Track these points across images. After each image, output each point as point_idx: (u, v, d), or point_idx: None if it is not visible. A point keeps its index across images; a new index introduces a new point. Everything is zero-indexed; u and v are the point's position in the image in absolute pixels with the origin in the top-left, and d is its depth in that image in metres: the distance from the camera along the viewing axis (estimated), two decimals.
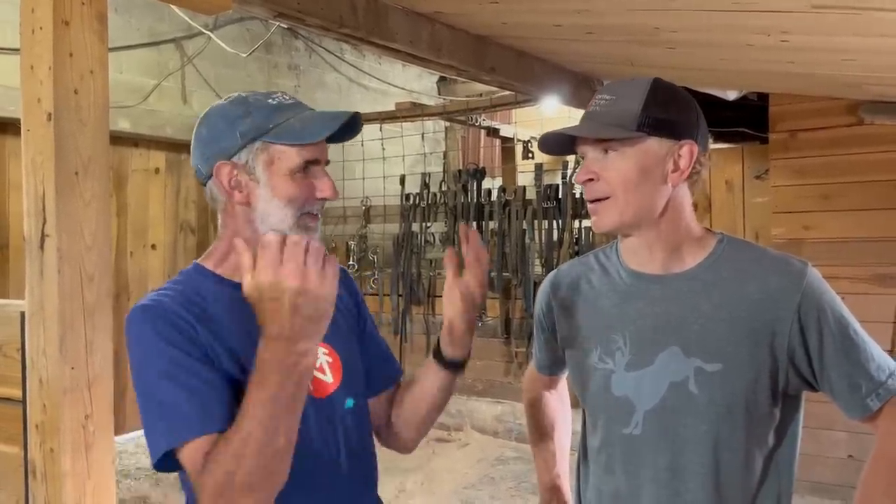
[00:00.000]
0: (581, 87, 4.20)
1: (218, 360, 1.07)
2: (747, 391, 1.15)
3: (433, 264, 5.65)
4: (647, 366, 1.18)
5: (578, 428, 1.49)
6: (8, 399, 2.06)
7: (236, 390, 1.04)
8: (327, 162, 1.21)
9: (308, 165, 1.15)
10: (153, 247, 5.17)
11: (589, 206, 1.22)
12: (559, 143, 1.24)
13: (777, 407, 1.18)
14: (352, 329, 1.31)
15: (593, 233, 4.90)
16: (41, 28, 1.78)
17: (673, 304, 1.19)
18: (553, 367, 1.46)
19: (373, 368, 1.33)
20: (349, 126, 1.18)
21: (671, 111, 1.17)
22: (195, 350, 1.05)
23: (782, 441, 1.20)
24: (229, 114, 1.18)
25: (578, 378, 1.28)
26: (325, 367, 1.20)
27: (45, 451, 1.81)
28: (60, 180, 1.77)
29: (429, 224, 5.57)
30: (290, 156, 1.14)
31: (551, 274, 1.40)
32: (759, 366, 1.15)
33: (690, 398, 1.15)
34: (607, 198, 1.18)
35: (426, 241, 5.57)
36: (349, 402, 1.21)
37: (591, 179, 1.19)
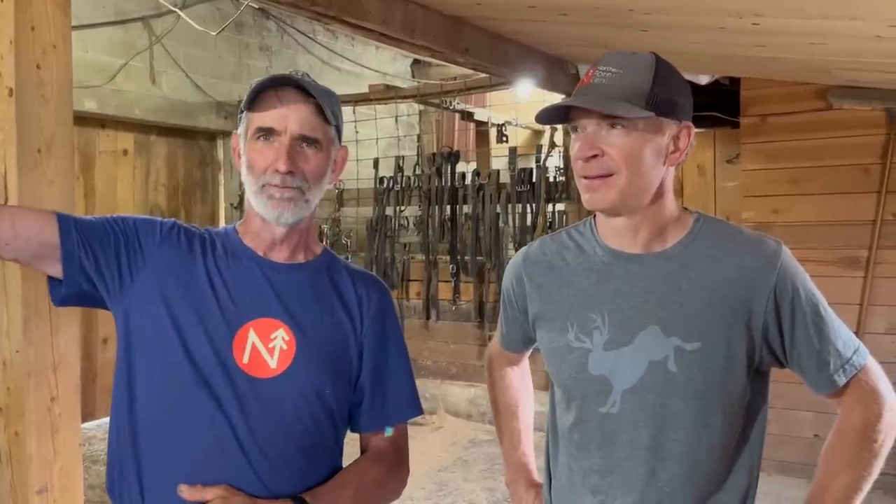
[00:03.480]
0: (555, 69, 4.20)
1: (138, 269, 1.18)
2: (725, 369, 1.15)
3: (407, 248, 5.63)
4: (625, 345, 1.18)
5: (539, 407, 1.49)
6: None
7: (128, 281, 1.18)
8: (308, 139, 1.18)
9: (266, 134, 1.18)
10: None
11: (585, 182, 1.17)
12: (553, 113, 1.20)
13: (750, 384, 1.19)
14: (344, 340, 1.24)
15: (567, 216, 4.92)
16: (2, 1, 1.73)
17: (653, 283, 1.19)
18: (520, 345, 1.45)
19: (360, 404, 1.27)
20: (301, 88, 1.18)
21: (674, 91, 1.17)
22: (137, 236, 1.19)
23: (753, 418, 1.22)
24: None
25: (552, 357, 1.27)
26: (275, 351, 1.18)
27: (9, 434, 1.77)
28: (23, 158, 1.72)
29: (403, 208, 5.55)
30: (251, 121, 1.21)
31: (521, 251, 1.38)
32: (735, 344, 1.15)
33: (670, 377, 1.15)
34: (609, 175, 1.15)
35: (400, 225, 5.56)
36: (273, 394, 1.17)
37: (595, 155, 1.15)
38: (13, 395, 1.76)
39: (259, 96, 1.19)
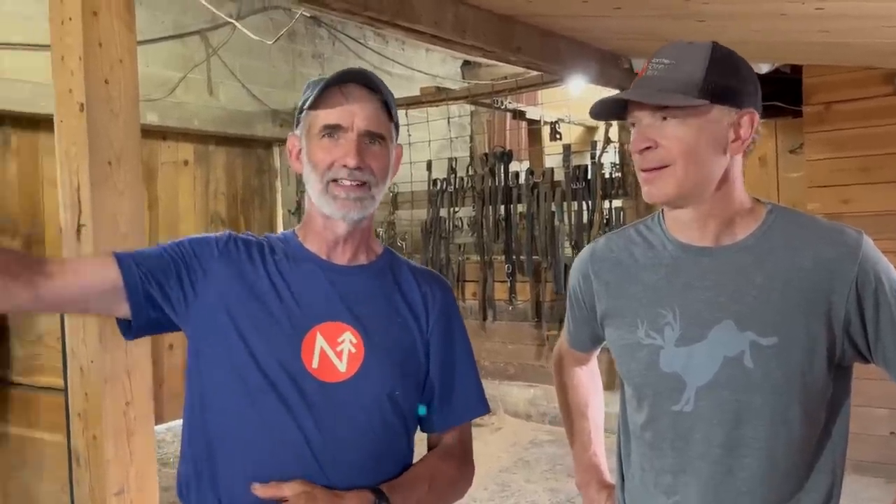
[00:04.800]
0: (608, 64, 4.14)
1: (225, 285, 1.18)
2: (803, 364, 1.12)
3: (462, 249, 5.64)
4: (698, 341, 1.15)
5: (607, 408, 1.46)
6: (51, 388, 2.10)
7: (192, 300, 1.18)
8: (375, 135, 1.19)
9: (332, 131, 1.18)
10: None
11: (642, 175, 1.16)
12: (608, 109, 1.19)
13: (831, 380, 1.15)
14: (412, 340, 1.24)
15: (624, 213, 4.85)
16: (70, 19, 1.79)
17: (725, 277, 1.16)
18: (588, 344, 1.43)
19: (428, 404, 1.27)
20: (366, 84, 1.19)
21: (733, 78, 1.14)
22: (196, 257, 1.20)
23: (836, 415, 1.18)
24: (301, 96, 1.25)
25: (622, 354, 1.25)
26: (344, 355, 1.17)
27: (87, 438, 1.83)
28: (94, 171, 1.78)
29: (457, 209, 5.56)
30: (315, 119, 1.20)
31: (588, 248, 1.36)
32: (814, 338, 1.12)
33: (746, 373, 1.12)
34: (664, 167, 1.13)
35: (454, 226, 5.56)
36: (344, 398, 1.16)
37: (648, 147, 1.14)
38: (90, 400, 1.82)
39: (323, 94, 1.19)
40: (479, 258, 5.47)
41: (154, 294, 1.16)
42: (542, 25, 3.51)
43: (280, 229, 5.69)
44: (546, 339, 5.24)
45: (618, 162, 4.90)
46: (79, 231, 1.80)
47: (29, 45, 3.90)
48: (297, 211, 5.65)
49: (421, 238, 5.67)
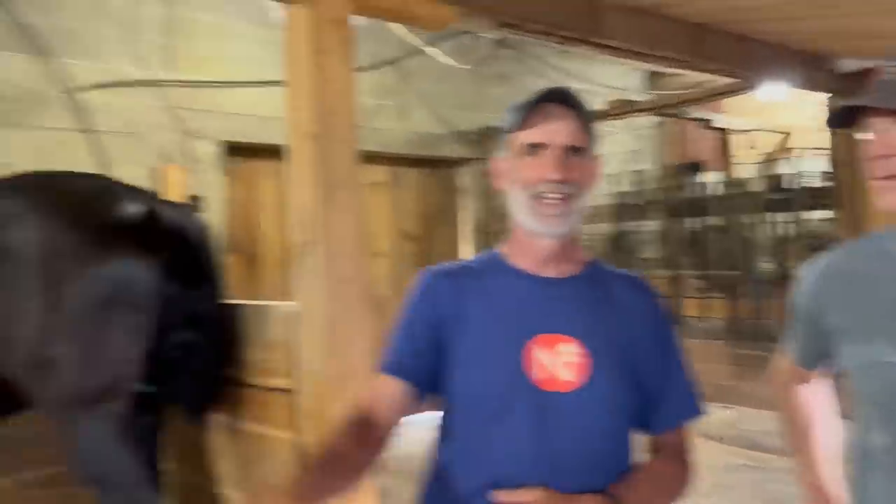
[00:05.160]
0: (812, 67, 3.89)
1: (446, 322, 1.26)
2: None
3: (648, 263, 5.50)
4: None
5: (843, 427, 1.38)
6: (279, 389, 2.33)
7: (441, 349, 1.25)
8: (576, 148, 1.23)
9: (535, 149, 1.23)
10: (378, 254, 5.54)
11: (880, 183, 1.11)
12: (840, 115, 1.15)
13: None
14: (628, 345, 1.26)
15: (833, 225, 4.50)
16: (302, 58, 2.01)
17: None
18: (815, 361, 1.36)
19: (648, 407, 1.29)
20: (563, 103, 1.24)
21: None
22: (423, 317, 1.28)
23: None
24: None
25: (859, 373, 1.18)
26: (568, 365, 1.21)
27: (316, 437, 2.01)
28: (322, 193, 1.97)
29: (643, 223, 5.44)
30: (518, 140, 1.26)
31: (817, 260, 1.30)
32: None
33: None
34: None
35: (640, 240, 5.45)
36: (573, 406, 1.19)
37: (887, 154, 1.09)
38: (319, 401, 2.01)
39: (525, 116, 1.24)
40: (665, 273, 5.31)
41: (430, 372, 1.26)
42: (737, 31, 3.38)
43: (464, 247, 5.87)
44: (742, 359, 4.97)
45: (828, 170, 4.54)
46: (308, 248, 2.00)
47: (250, 82, 4.36)
48: (482, 228, 5.81)
49: (606, 252, 5.60)
